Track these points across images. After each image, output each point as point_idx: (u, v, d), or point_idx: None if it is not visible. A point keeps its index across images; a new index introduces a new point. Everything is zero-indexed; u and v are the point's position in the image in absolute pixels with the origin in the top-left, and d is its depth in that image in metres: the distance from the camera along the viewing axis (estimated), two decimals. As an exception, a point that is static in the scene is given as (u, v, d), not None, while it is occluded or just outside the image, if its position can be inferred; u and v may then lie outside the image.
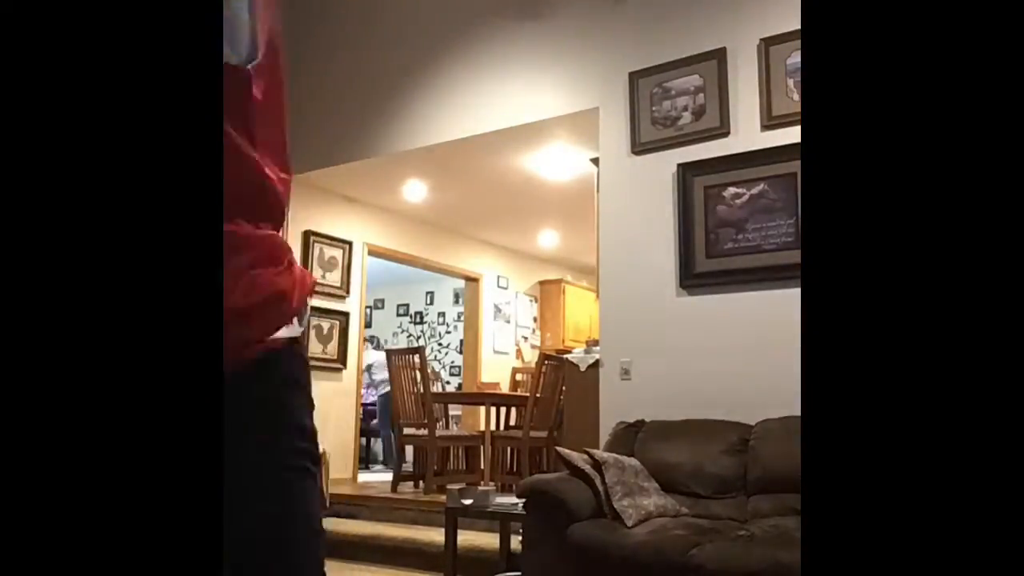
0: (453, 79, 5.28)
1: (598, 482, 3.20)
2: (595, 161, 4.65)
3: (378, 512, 5.09)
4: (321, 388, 6.28)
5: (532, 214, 7.27)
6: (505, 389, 7.24)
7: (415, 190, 6.47)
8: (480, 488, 3.93)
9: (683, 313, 4.09)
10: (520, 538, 3.42)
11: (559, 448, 3.58)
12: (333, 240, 6.48)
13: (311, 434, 0.84)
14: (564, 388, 5.06)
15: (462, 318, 8.98)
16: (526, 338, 8.93)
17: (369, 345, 8.34)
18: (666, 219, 4.19)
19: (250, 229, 0.77)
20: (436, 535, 4.18)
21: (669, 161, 4.20)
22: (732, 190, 3.99)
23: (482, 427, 6.30)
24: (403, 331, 10.80)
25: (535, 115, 4.88)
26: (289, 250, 0.85)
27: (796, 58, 3.86)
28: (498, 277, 8.53)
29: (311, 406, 0.86)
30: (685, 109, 4.21)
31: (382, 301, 10.90)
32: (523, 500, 3.29)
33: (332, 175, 6.07)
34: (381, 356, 7.43)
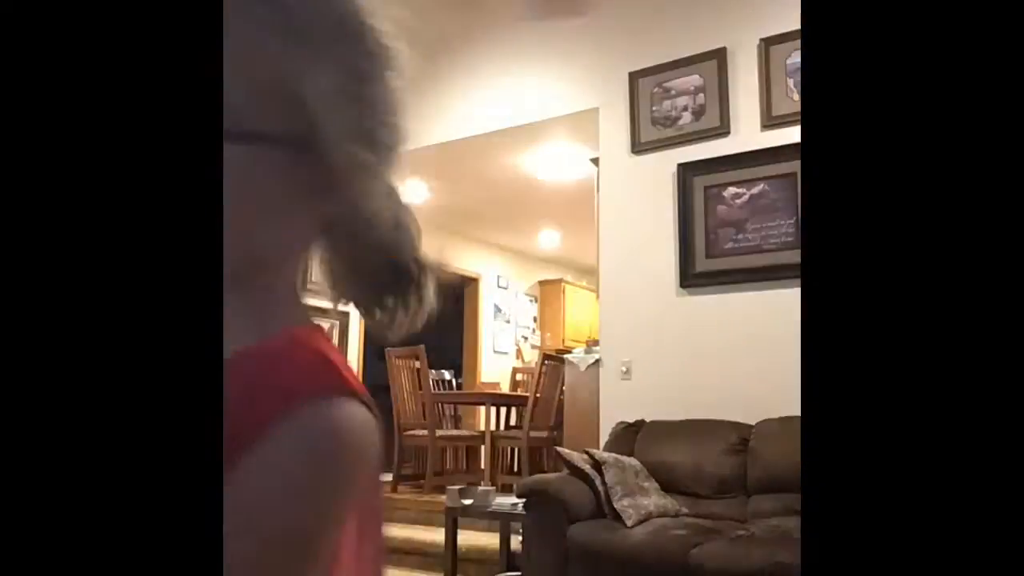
0: (453, 79, 5.28)
1: (598, 482, 3.20)
2: (595, 161, 4.65)
3: (378, 512, 5.08)
4: (321, 388, 6.25)
5: (532, 214, 7.27)
6: (505, 389, 7.24)
7: (415, 190, 6.46)
8: (480, 488, 3.93)
9: (683, 313, 4.09)
10: (520, 538, 3.42)
11: (559, 448, 3.58)
12: (333, 240, 6.48)
13: None
14: (564, 388, 5.05)
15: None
16: (526, 338, 8.91)
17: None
18: (666, 219, 4.18)
19: None
20: (436, 535, 4.17)
21: (669, 161, 4.20)
22: (732, 190, 3.99)
23: (482, 427, 6.30)
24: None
25: (535, 115, 4.88)
26: None
27: (796, 58, 3.86)
28: (498, 277, 8.52)
29: None
30: (685, 109, 4.21)
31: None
32: (523, 500, 3.29)
33: (332, 175, 6.06)
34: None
